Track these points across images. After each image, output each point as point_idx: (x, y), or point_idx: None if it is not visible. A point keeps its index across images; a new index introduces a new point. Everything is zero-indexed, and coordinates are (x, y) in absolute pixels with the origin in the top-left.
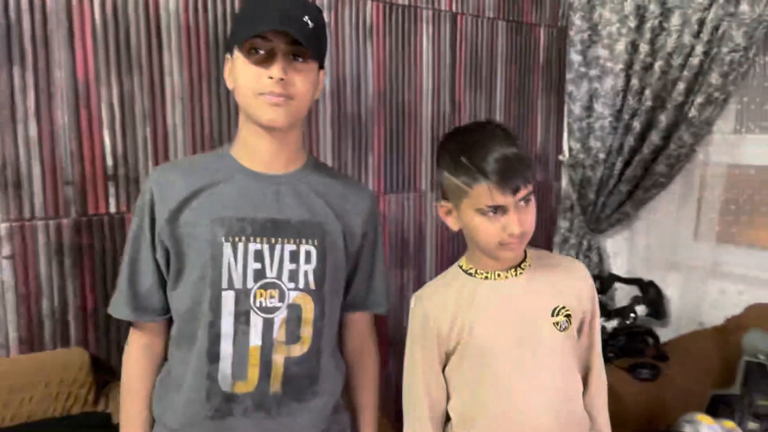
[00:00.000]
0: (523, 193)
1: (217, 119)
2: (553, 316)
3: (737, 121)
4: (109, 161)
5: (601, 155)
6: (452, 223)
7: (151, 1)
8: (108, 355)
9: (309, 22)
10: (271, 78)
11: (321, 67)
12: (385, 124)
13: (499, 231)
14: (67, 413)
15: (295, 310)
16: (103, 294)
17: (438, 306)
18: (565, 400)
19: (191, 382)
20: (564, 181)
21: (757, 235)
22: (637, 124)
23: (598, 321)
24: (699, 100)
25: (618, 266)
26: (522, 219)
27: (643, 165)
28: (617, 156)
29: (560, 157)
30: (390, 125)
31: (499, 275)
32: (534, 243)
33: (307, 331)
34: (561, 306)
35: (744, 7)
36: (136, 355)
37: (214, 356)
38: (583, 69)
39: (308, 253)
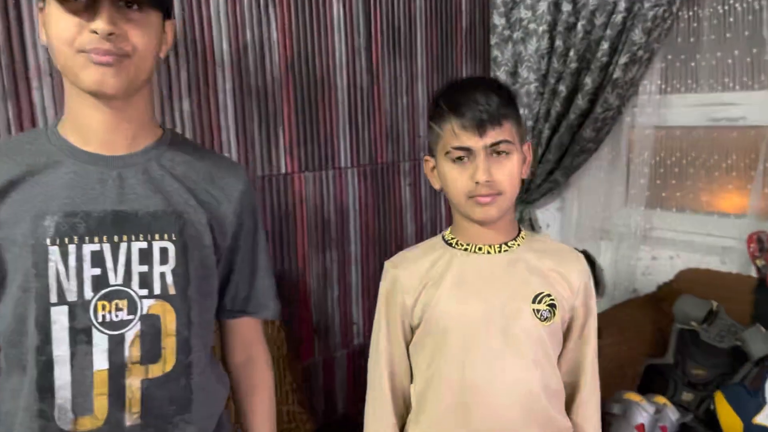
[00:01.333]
0: (491, 137)
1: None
2: (534, 302)
3: (662, 81)
4: None
5: (529, 123)
6: (434, 181)
7: None
8: None
9: None
10: (96, 33)
11: (167, 16)
12: (296, 96)
13: (466, 179)
14: None
15: (151, 322)
16: None
17: (407, 275)
18: (538, 398)
19: (22, 422)
20: None
21: (687, 198)
22: (563, 88)
23: (594, 324)
24: (623, 59)
25: (551, 237)
26: (492, 168)
27: (571, 131)
28: (544, 123)
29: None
30: (301, 97)
31: (480, 248)
32: None
33: (169, 345)
34: (545, 293)
35: None
36: None
37: (45, 388)
38: (506, 32)
39: (164, 251)
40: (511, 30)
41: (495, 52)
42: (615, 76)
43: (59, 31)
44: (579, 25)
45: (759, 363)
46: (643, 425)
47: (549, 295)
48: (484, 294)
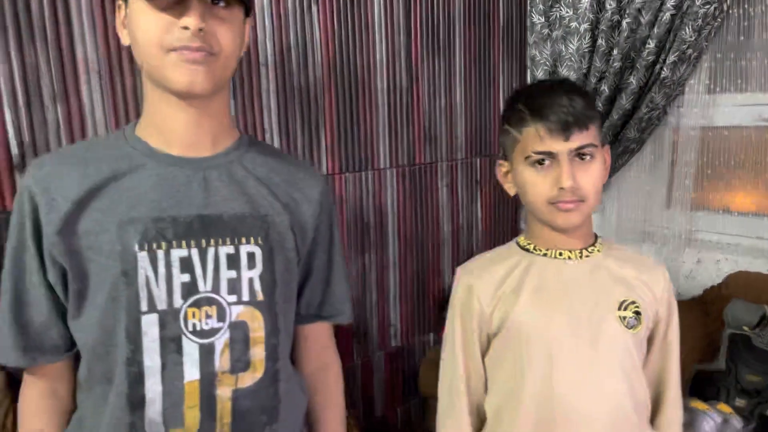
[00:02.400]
0: (577, 141)
1: (142, 94)
2: (620, 309)
3: (710, 80)
4: (15, 149)
5: None
6: (509, 187)
7: None
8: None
9: None
10: (187, 28)
11: (247, 14)
12: (337, 96)
13: (548, 185)
14: None
15: (240, 330)
16: None
17: (484, 281)
18: (630, 413)
19: None
20: None
21: (733, 200)
22: (605, 88)
23: (677, 332)
24: (671, 58)
25: None
26: (577, 173)
27: (613, 131)
28: None
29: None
30: (343, 98)
31: (560, 254)
32: (499, 218)
33: (258, 353)
34: (630, 300)
35: None
36: (36, 405)
37: (137, 401)
38: (545, 31)
39: (251, 256)
40: (550, 28)
41: (533, 51)
42: (662, 75)
43: (146, 29)
44: (624, 23)
45: None
46: None
47: (634, 302)
48: (568, 302)
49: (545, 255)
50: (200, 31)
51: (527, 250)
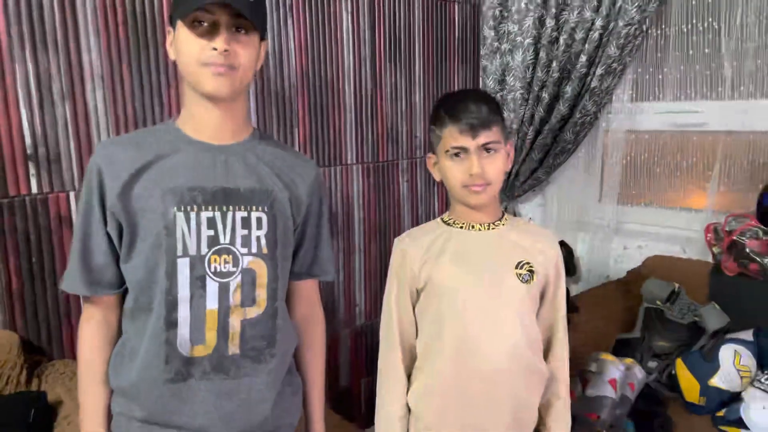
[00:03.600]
0: (483, 138)
1: (139, 98)
2: (516, 268)
3: (633, 90)
4: (28, 141)
5: (514, 126)
6: (435, 174)
7: None
8: (38, 336)
9: None
10: (215, 49)
11: (263, 38)
12: (310, 100)
13: (462, 172)
14: (0, 394)
15: (249, 274)
16: (29, 276)
17: (414, 247)
18: (524, 348)
19: (149, 349)
20: None
21: (653, 195)
22: (545, 95)
23: (563, 290)
24: (599, 71)
25: None
26: (483, 163)
27: (552, 134)
28: (529, 126)
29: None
30: (314, 101)
31: (472, 227)
32: None
33: (261, 294)
34: (525, 261)
35: None
36: (92, 330)
37: (172, 322)
38: (495, 44)
39: (259, 220)
40: (499, 42)
41: (484, 62)
42: (592, 85)
43: (188, 49)
44: (561, 40)
45: (714, 335)
46: (615, 380)
47: (528, 263)
48: (478, 263)
49: (461, 228)
50: (225, 51)
51: (448, 224)
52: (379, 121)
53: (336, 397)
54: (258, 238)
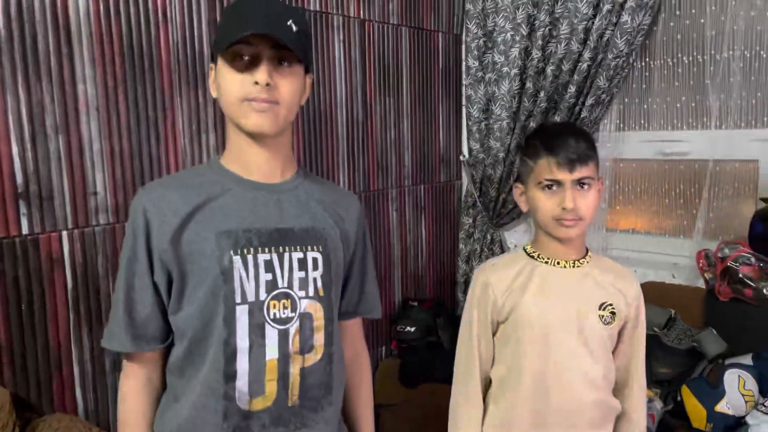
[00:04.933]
0: (579, 174)
1: (135, 130)
2: (599, 309)
3: (620, 120)
4: (19, 178)
5: (501, 154)
6: (522, 204)
7: (60, 4)
8: (26, 390)
9: (293, 25)
10: (257, 83)
11: (307, 71)
12: (303, 129)
13: (554, 205)
14: None
15: (307, 319)
16: (18, 325)
17: (498, 278)
18: (602, 386)
19: (205, 405)
20: (466, 180)
21: (640, 221)
22: (533, 125)
23: (643, 330)
24: (589, 101)
25: None
26: (577, 198)
27: None
28: (515, 155)
29: (461, 158)
30: (308, 131)
31: (558, 263)
32: (440, 239)
33: (319, 339)
34: (608, 303)
35: (625, 17)
36: (136, 390)
37: (230, 374)
38: (480, 74)
39: (315, 260)
40: (484, 71)
41: (469, 91)
42: (582, 115)
43: (229, 85)
44: (548, 70)
45: (713, 360)
46: None
47: (611, 304)
48: (562, 300)
49: (546, 263)
50: (267, 86)
51: (533, 257)
52: (371, 150)
53: None
54: (315, 280)
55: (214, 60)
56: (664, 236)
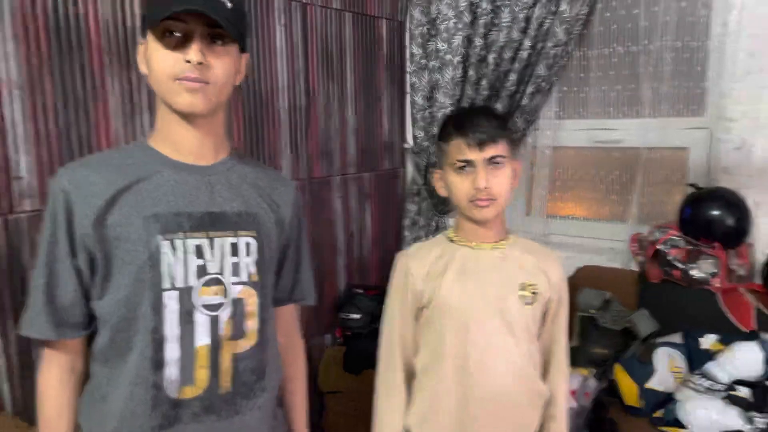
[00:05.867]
0: (490, 152)
1: (63, 111)
2: (520, 290)
3: (559, 108)
4: None
5: None
6: (441, 189)
7: None
8: None
9: (227, 2)
10: (189, 62)
11: (243, 50)
12: (244, 114)
13: (469, 186)
14: None
15: (239, 305)
16: None
17: (418, 263)
18: (527, 369)
19: (132, 394)
20: (410, 168)
21: (579, 207)
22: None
23: (566, 311)
24: (529, 89)
25: None
26: (490, 178)
27: None
28: None
29: (405, 145)
30: (249, 115)
31: (478, 245)
32: (384, 227)
33: (252, 325)
34: (530, 283)
35: (564, 6)
36: (57, 380)
37: (159, 362)
38: (423, 61)
39: (248, 245)
40: (427, 59)
41: (413, 79)
42: (522, 103)
43: (159, 62)
44: (490, 58)
45: (645, 340)
46: (575, 391)
47: (532, 285)
48: (481, 283)
49: (466, 246)
50: (199, 64)
51: (453, 241)
52: (314, 137)
53: None
54: (247, 265)
55: (144, 34)
56: (601, 222)
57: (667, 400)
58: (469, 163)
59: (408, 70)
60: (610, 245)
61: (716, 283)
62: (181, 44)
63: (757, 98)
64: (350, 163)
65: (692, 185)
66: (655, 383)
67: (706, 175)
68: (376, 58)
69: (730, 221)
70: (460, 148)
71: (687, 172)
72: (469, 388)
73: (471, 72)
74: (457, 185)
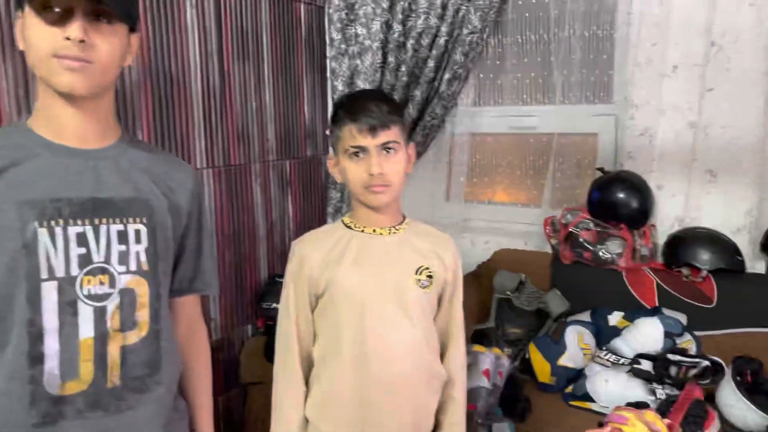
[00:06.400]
0: (382, 138)
1: (14, 90)
2: (416, 274)
3: (476, 95)
4: None
5: None
6: (337, 175)
7: None
8: None
9: None
10: (69, 39)
11: (132, 30)
12: (153, 97)
13: (363, 172)
14: None
15: (128, 295)
16: None
17: (313, 251)
18: (424, 353)
19: (8, 391)
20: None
21: (495, 193)
22: (396, 99)
23: (461, 294)
24: (447, 76)
25: None
26: (383, 164)
27: None
28: None
29: (327, 132)
30: (158, 97)
31: (374, 231)
32: (308, 213)
33: (143, 316)
34: (425, 267)
35: None
36: None
37: (36, 357)
38: (343, 46)
39: (137, 233)
40: (347, 44)
41: (333, 64)
42: (441, 89)
43: (36, 38)
44: (408, 44)
45: (557, 319)
46: (488, 370)
47: (427, 268)
48: (378, 268)
49: (362, 231)
50: (81, 42)
51: (349, 228)
52: (230, 121)
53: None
54: (137, 254)
55: (21, 7)
56: (517, 206)
57: (577, 375)
58: (362, 149)
59: (328, 55)
60: (526, 229)
61: (622, 263)
62: (61, 20)
63: (658, 85)
64: (270, 149)
65: (600, 169)
66: (565, 360)
67: (613, 161)
68: (295, 42)
69: (634, 204)
70: (353, 134)
71: (597, 157)
72: (367, 375)
73: (390, 58)
74: (351, 171)
